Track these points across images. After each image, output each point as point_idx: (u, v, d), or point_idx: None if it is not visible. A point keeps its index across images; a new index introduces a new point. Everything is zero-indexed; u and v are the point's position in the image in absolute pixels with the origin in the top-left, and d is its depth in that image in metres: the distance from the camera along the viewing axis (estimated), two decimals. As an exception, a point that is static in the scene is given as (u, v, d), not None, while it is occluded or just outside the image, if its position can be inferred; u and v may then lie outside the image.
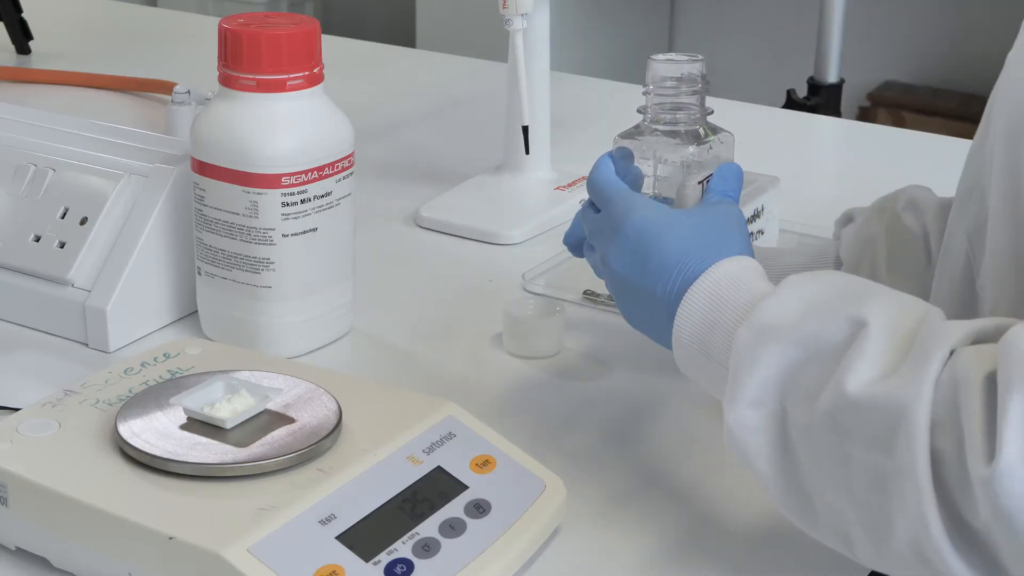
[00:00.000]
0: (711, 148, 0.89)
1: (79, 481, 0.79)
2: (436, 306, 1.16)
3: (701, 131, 0.90)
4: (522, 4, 1.24)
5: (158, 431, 0.82)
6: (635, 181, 0.92)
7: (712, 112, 0.90)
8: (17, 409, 0.88)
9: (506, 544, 0.80)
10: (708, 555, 0.85)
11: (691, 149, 0.89)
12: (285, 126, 1.01)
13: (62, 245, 1.07)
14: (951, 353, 0.70)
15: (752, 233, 1.26)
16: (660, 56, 0.90)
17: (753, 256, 0.85)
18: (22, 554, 0.82)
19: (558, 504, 0.85)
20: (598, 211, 0.90)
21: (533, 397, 1.03)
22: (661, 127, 0.90)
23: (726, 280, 0.81)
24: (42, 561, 0.81)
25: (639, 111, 0.91)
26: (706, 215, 0.86)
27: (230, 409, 0.84)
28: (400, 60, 1.90)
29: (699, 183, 0.89)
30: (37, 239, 1.08)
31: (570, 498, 0.86)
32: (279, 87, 1.01)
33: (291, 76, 1.01)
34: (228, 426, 0.83)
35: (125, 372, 0.90)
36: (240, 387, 0.86)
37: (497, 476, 0.84)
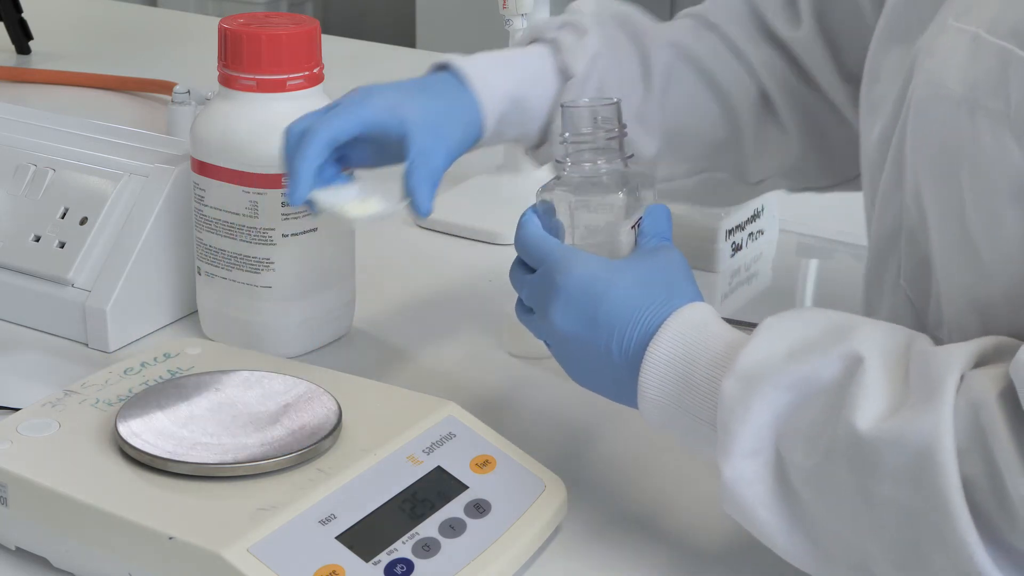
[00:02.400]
0: (638, 191, 0.87)
1: (79, 481, 0.79)
2: (436, 306, 1.16)
3: (624, 175, 0.87)
4: (522, 4, 1.24)
5: (158, 431, 0.82)
6: (558, 234, 0.87)
7: (632, 155, 0.88)
8: (17, 409, 0.88)
9: (506, 544, 0.80)
10: (709, 554, 0.85)
11: (620, 195, 0.86)
12: (285, 126, 1.01)
13: (62, 245, 1.07)
14: (961, 379, 0.69)
15: (752, 233, 1.26)
16: (573, 103, 0.88)
17: (702, 298, 0.82)
18: (22, 554, 0.82)
19: (558, 504, 0.85)
20: (531, 270, 0.86)
21: (533, 397, 1.02)
22: (583, 175, 0.87)
23: (689, 330, 0.79)
24: (42, 561, 0.81)
25: (558, 160, 0.88)
26: (649, 263, 0.83)
27: (361, 209, 0.87)
28: (400, 60, 1.90)
29: (631, 228, 0.86)
30: (37, 239, 1.08)
31: (570, 498, 0.86)
32: (279, 87, 1.01)
33: (291, 76, 1.01)
34: (356, 225, 0.83)
35: (125, 372, 0.90)
36: (374, 192, 0.89)
37: (497, 476, 0.84)
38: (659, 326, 0.79)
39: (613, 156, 0.87)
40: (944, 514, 0.67)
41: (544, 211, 0.87)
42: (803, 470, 0.72)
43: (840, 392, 0.72)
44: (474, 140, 0.96)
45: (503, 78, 0.98)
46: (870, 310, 0.87)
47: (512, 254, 1.25)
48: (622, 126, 0.87)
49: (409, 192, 0.89)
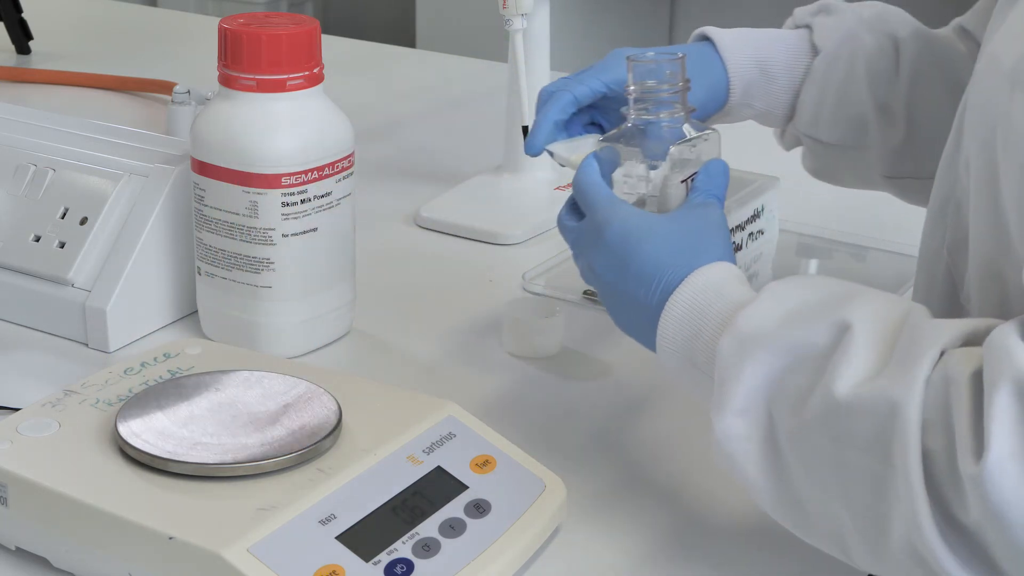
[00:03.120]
0: (694, 146, 0.89)
1: (79, 481, 0.79)
2: (436, 306, 1.16)
3: (685, 129, 0.90)
4: (522, 4, 1.24)
5: (158, 431, 0.82)
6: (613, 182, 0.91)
7: (695, 110, 0.91)
8: (17, 409, 0.88)
9: (506, 544, 0.80)
10: (710, 554, 0.85)
11: (672, 148, 0.89)
12: (285, 126, 1.01)
13: (62, 245, 1.07)
14: (941, 353, 0.70)
15: (752, 233, 1.26)
16: (640, 55, 0.91)
17: (734, 260, 0.84)
18: (22, 554, 0.82)
19: (558, 504, 0.85)
20: (581, 217, 0.89)
21: (533, 397, 1.03)
22: (643, 125, 0.90)
23: (706, 288, 0.81)
24: (42, 561, 0.81)
25: (622, 112, 0.91)
26: (686, 220, 0.86)
27: None
28: (400, 60, 1.90)
29: (683, 182, 0.88)
30: (37, 239, 1.08)
31: (570, 498, 0.86)
32: (279, 87, 1.01)
33: (291, 76, 1.01)
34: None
35: (125, 372, 0.90)
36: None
37: (497, 476, 0.84)
38: (680, 282, 0.82)
39: (676, 110, 0.90)
40: (902, 483, 0.68)
41: (605, 158, 0.91)
42: (789, 433, 0.74)
43: (826, 358, 0.73)
44: (720, 104, 1.03)
45: (753, 47, 1.04)
46: (919, 279, 0.89)
47: (511, 254, 1.26)
48: (686, 80, 0.91)
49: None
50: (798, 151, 1.12)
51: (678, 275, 0.82)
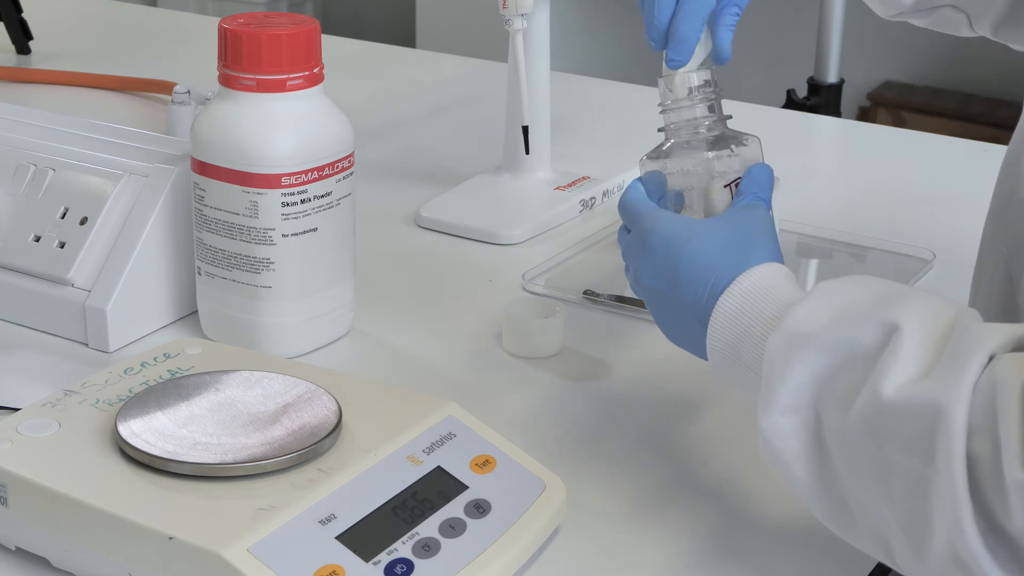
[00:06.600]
0: (732, 152, 0.90)
1: (79, 481, 0.79)
2: (436, 306, 1.16)
3: (721, 138, 0.91)
4: (522, 4, 1.24)
5: (158, 431, 0.82)
6: (661, 199, 0.91)
7: (731, 117, 0.92)
8: (17, 409, 0.88)
9: (506, 544, 0.80)
10: (710, 554, 0.85)
11: (709, 154, 0.90)
12: (285, 126, 1.01)
13: (62, 245, 1.07)
14: (990, 358, 0.69)
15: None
16: (670, 72, 0.92)
17: (782, 260, 0.84)
18: (22, 554, 0.82)
19: (558, 504, 0.85)
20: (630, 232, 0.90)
21: (533, 397, 1.03)
22: (683, 141, 0.91)
23: (756, 287, 0.81)
24: (42, 561, 0.81)
25: (660, 130, 0.92)
26: (733, 221, 0.86)
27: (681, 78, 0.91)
28: (400, 60, 1.90)
29: (725, 187, 0.89)
30: (37, 239, 1.08)
31: (570, 498, 0.86)
32: (279, 87, 1.01)
33: (291, 76, 1.01)
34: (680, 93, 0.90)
35: (125, 372, 0.90)
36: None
37: (497, 476, 0.84)
38: (730, 282, 0.82)
39: (712, 120, 0.91)
40: (945, 486, 0.68)
41: (649, 180, 0.91)
42: (835, 432, 0.74)
43: (875, 358, 0.73)
44: None
45: None
46: (977, 278, 0.89)
47: (511, 254, 1.26)
48: (719, 90, 0.91)
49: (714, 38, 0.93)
50: None
51: (728, 275, 0.82)
